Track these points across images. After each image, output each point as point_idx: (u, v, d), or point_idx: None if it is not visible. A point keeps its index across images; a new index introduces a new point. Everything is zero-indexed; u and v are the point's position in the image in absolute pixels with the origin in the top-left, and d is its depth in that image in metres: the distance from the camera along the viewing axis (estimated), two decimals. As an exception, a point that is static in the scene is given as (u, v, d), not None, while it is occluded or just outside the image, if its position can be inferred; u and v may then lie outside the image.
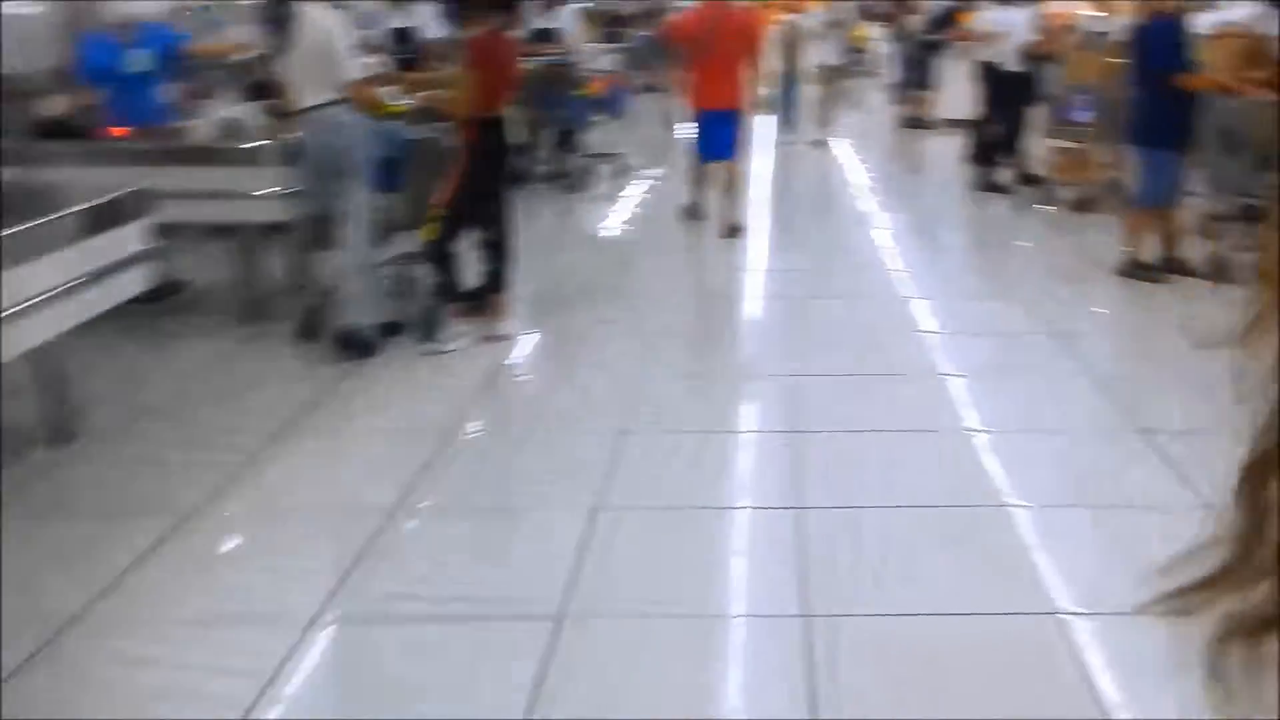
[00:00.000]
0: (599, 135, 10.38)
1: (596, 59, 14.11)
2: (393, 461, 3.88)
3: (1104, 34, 7.67)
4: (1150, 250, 5.70)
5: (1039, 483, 3.56)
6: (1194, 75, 5.24)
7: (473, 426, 4.21)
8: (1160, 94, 5.27)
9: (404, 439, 4.10)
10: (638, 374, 4.65)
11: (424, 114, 5.22)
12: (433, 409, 4.36)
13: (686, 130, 7.61)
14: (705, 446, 3.93)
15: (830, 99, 11.67)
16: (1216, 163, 5.70)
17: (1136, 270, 5.65)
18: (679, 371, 4.85)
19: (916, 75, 12.43)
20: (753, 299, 5.94)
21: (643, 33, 16.83)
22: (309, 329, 5.02)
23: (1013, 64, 9.28)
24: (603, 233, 7.76)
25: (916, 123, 12.45)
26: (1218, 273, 5.55)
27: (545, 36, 9.06)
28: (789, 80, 11.18)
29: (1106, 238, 6.89)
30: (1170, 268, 5.66)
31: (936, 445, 3.88)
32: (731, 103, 6.89)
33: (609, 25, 17.12)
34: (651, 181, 9.53)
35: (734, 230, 7.07)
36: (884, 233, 7.36)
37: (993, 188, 8.52)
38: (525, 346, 5.16)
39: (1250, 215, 5.83)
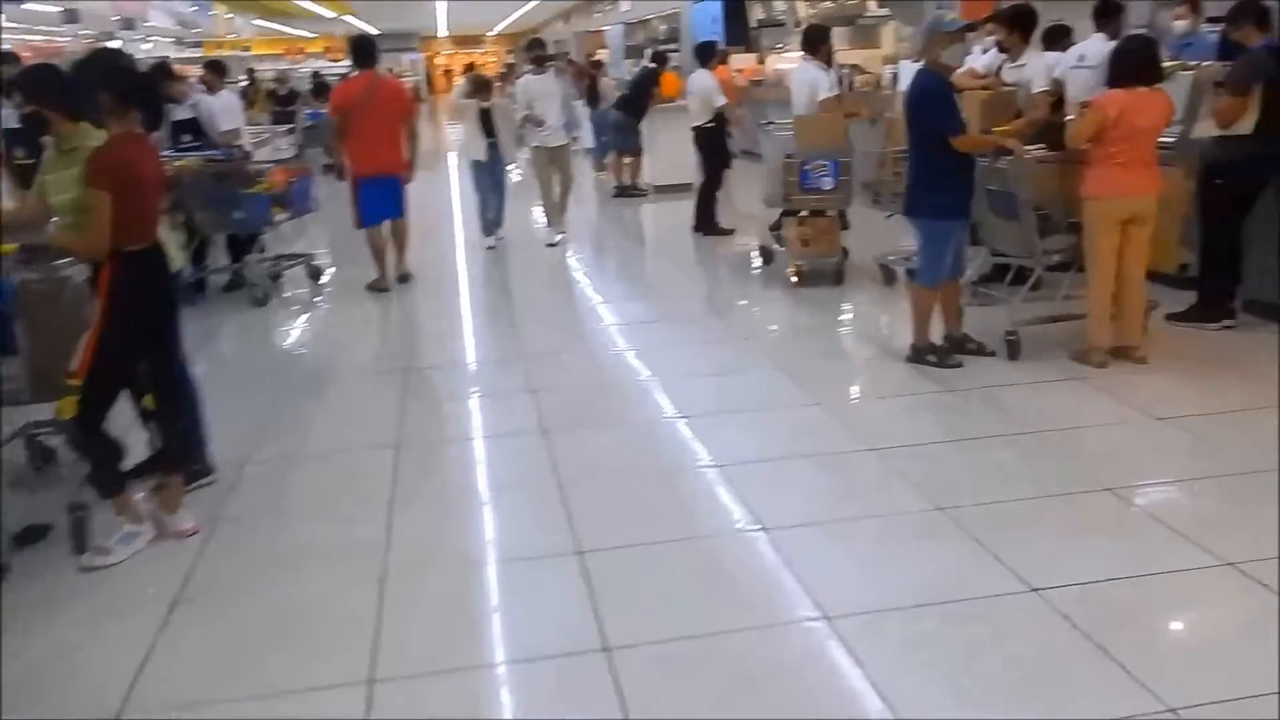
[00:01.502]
0: (289, 234, 9.00)
1: (274, 145, 12.62)
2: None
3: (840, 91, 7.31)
4: (939, 330, 5.22)
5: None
6: (966, 134, 4.79)
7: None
8: (935, 157, 4.78)
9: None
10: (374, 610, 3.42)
11: (34, 252, 3.73)
12: (83, 674, 2.90)
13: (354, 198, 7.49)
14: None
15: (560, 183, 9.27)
16: (993, 228, 5.32)
17: (925, 355, 5.12)
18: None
19: (619, 140, 11.90)
20: (484, 437, 4.84)
21: (317, 109, 15.38)
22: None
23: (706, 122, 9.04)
24: (299, 351, 6.37)
25: (627, 191, 11.91)
26: (1011, 348, 5.14)
27: (190, 128, 7.55)
28: (489, 162, 8.84)
29: (873, 314, 6.58)
30: (960, 347, 5.19)
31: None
32: (391, 167, 7.38)
33: (279, 104, 15.43)
34: (348, 278, 8.24)
35: (404, 278, 7.80)
36: (625, 328, 6.51)
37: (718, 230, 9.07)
38: (217, 542, 3.76)
39: (1032, 283, 5.51)
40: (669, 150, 11.47)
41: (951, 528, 3.42)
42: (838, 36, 11.01)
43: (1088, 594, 2.98)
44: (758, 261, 7.91)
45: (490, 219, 9.07)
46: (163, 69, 8.11)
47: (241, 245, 7.79)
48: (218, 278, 7.89)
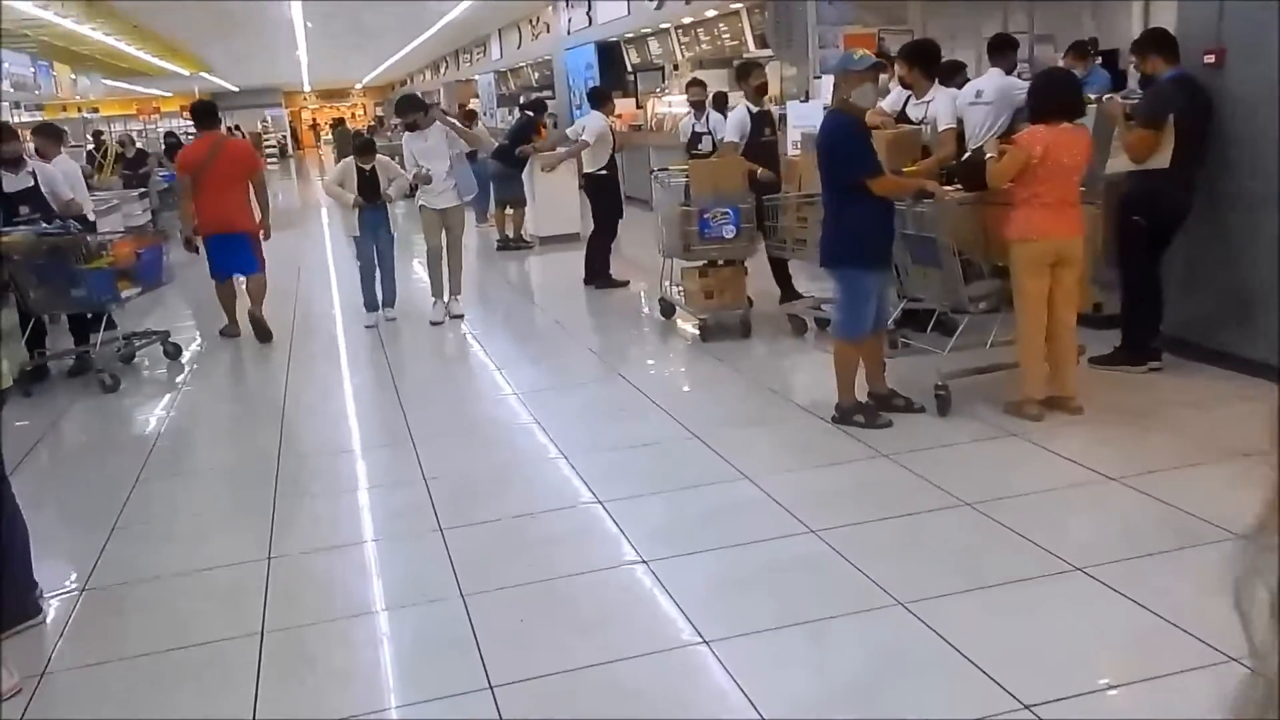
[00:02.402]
0: (145, 308, 8.17)
1: (125, 211, 11.66)
2: None
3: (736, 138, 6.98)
4: (862, 386, 4.86)
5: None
6: (884, 177, 4.46)
7: None
8: (851, 202, 4.44)
9: None
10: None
11: None
12: None
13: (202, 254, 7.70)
14: None
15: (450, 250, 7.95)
16: (913, 276, 5.00)
17: (852, 415, 4.74)
18: None
19: (501, 190, 11.40)
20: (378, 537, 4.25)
21: (172, 171, 14.42)
22: None
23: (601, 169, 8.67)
24: (152, 444, 5.59)
25: (512, 243, 11.40)
26: (941, 404, 4.80)
27: (28, 198, 6.73)
28: (372, 229, 7.80)
29: (788, 369, 6.21)
30: (888, 404, 4.84)
31: None
32: (238, 224, 7.55)
33: (129, 167, 14.38)
34: (211, 355, 7.50)
35: (264, 335, 7.65)
36: (524, 397, 5.98)
37: (612, 283, 8.64)
38: (41, 701, 3.06)
39: (948, 329, 5.21)
40: (553, 199, 11.09)
41: (917, 627, 2.99)
42: (716, 79, 10.79)
43: (1088, 708, 2.58)
44: (656, 314, 7.50)
45: (371, 296, 7.92)
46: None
47: (86, 325, 6.99)
48: (61, 362, 7.06)
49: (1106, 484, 3.95)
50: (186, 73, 26.58)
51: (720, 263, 6.67)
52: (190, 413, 6.23)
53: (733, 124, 7.07)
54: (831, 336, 4.81)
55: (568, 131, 9.44)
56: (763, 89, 7.18)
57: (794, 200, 6.32)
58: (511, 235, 11.49)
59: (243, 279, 7.71)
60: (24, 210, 7.03)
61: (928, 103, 5.80)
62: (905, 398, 4.93)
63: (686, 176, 6.84)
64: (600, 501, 4.14)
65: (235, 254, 7.54)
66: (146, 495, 4.70)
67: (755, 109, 7.03)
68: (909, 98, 5.88)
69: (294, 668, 3.10)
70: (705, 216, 6.46)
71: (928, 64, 5.81)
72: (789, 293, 7.08)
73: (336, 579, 3.72)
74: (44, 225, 6.41)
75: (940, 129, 5.72)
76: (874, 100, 4.85)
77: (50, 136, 7.93)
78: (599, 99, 9.08)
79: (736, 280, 6.68)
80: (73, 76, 21.11)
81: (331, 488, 4.65)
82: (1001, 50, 6.39)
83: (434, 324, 7.81)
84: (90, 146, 16.42)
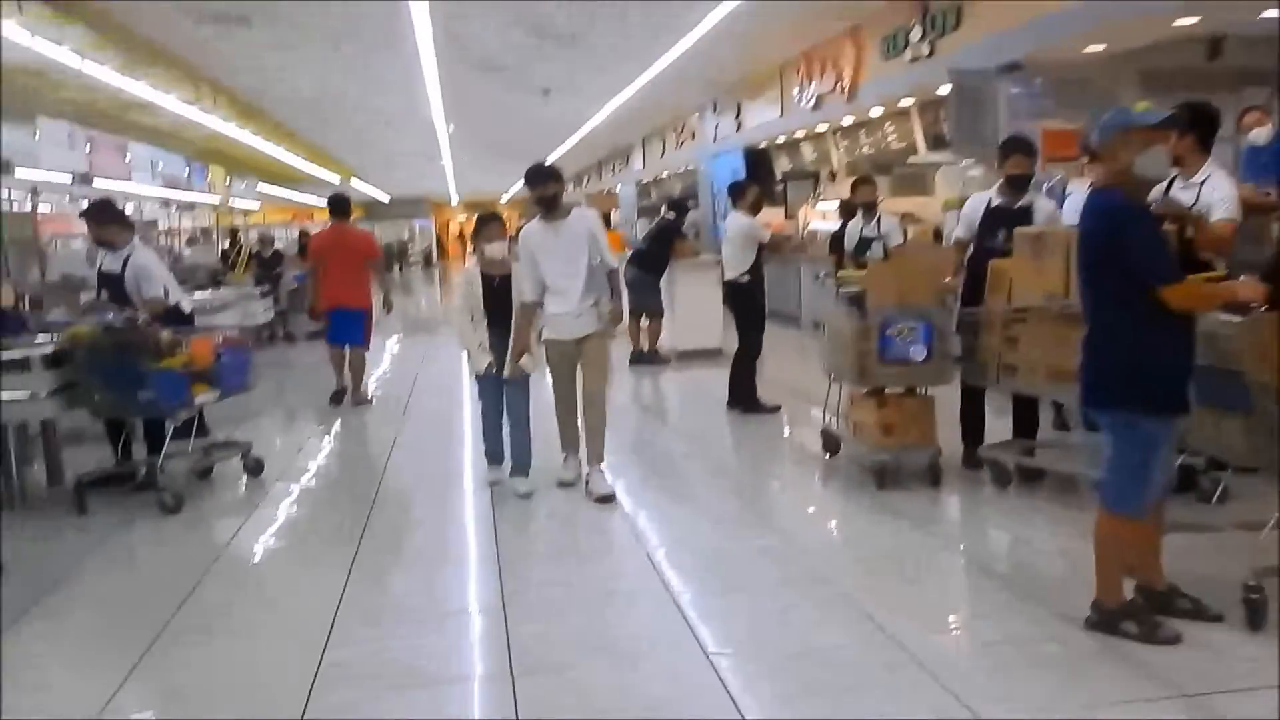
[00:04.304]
0: (228, 417, 7.26)
1: (244, 309, 11.11)
2: None
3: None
4: (1153, 576, 3.41)
5: None
6: (1182, 284, 3.09)
7: None
8: (1136, 318, 3.09)
9: None
10: None
11: None
12: None
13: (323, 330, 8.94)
14: None
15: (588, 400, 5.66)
16: (1202, 423, 3.55)
17: (1121, 622, 3.28)
18: None
19: (637, 300, 10.24)
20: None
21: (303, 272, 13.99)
22: None
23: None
24: (200, 587, 4.49)
25: (646, 358, 10.26)
26: (1254, 611, 3.30)
27: (107, 283, 5.92)
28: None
29: (1002, 538, 4.77)
30: (1169, 606, 3.37)
31: None
32: (355, 301, 8.60)
33: (263, 267, 13.85)
34: (302, 476, 6.49)
35: (360, 401, 8.78)
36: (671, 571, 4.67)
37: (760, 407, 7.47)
38: None
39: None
40: (692, 311, 10.01)
41: None
42: (879, 184, 9.58)
43: None
44: (815, 448, 6.15)
45: (496, 444, 5.77)
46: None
47: (163, 432, 6.07)
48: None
49: None
50: (337, 179, 27.09)
51: (903, 391, 5.34)
52: (254, 543, 5.15)
53: (966, 215, 5.67)
54: (1101, 507, 3.36)
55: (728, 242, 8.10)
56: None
57: (1005, 315, 4.97)
58: (646, 349, 10.36)
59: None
60: (104, 295, 6.30)
61: (1201, 183, 4.40)
62: (1192, 598, 3.44)
63: (862, 283, 5.61)
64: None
65: (350, 326, 8.62)
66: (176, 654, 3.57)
67: (1001, 201, 5.53)
68: (1174, 178, 4.47)
69: None
70: (888, 333, 5.16)
71: (1205, 133, 4.43)
72: (978, 434, 5.60)
73: None
74: (111, 316, 5.58)
75: (1217, 217, 4.30)
76: (1165, 170, 3.50)
77: (110, 219, 6.51)
78: (737, 194, 7.82)
79: (924, 414, 5.30)
80: (227, 180, 21.51)
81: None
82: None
83: (562, 485, 5.66)
84: (225, 244, 16.29)
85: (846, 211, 9.98)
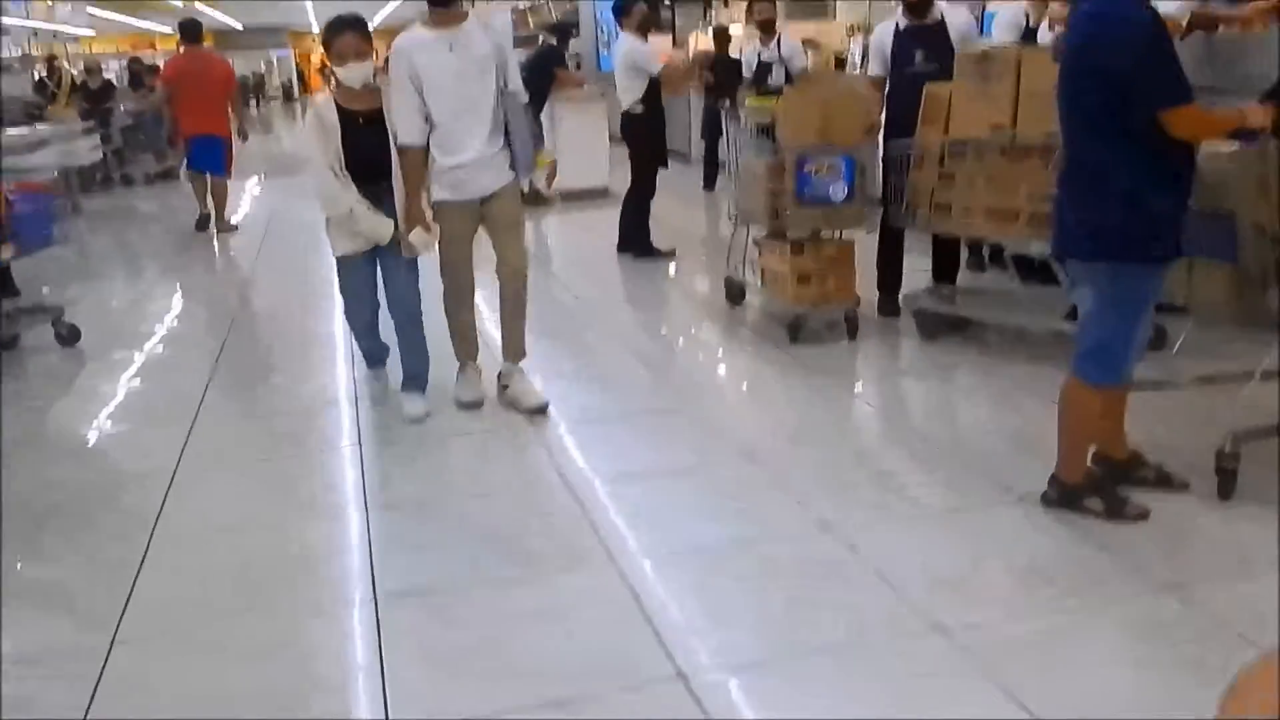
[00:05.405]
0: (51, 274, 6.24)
1: (63, 149, 9.68)
2: None
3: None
4: (1114, 445, 2.97)
5: None
6: (1191, 106, 2.50)
7: None
8: (1132, 153, 2.51)
9: None
10: None
11: None
12: None
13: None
14: None
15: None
16: (1184, 276, 3.05)
17: (1083, 497, 2.85)
18: None
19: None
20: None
21: (133, 105, 12.34)
22: None
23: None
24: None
25: (527, 198, 9.38)
26: (1224, 481, 2.90)
27: None
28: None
29: (940, 396, 4.24)
30: (1131, 476, 2.95)
31: None
32: (214, 128, 8.52)
33: (90, 101, 12.17)
34: (116, 339, 5.58)
35: (224, 228, 8.70)
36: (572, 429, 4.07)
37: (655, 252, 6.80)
38: None
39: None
40: (578, 148, 9.14)
41: None
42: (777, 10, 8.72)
43: None
44: (716, 298, 5.58)
45: (376, 346, 4.45)
46: None
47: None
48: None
49: None
50: (181, 3, 24.47)
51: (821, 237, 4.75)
52: (69, 422, 4.34)
53: (876, 48, 4.96)
54: (1075, 377, 2.84)
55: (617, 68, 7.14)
56: None
57: (937, 151, 4.38)
58: (526, 190, 9.49)
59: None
60: None
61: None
62: (1155, 466, 3.03)
63: (769, 115, 4.94)
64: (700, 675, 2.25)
65: (210, 153, 8.48)
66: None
67: (909, 22, 4.83)
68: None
69: None
70: (805, 170, 4.51)
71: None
72: (897, 278, 5.07)
73: None
74: None
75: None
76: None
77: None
78: (622, 14, 6.76)
79: (844, 261, 4.72)
80: (49, 2, 19.08)
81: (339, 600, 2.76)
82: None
83: (463, 407, 4.12)
84: (42, 74, 14.36)
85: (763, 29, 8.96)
